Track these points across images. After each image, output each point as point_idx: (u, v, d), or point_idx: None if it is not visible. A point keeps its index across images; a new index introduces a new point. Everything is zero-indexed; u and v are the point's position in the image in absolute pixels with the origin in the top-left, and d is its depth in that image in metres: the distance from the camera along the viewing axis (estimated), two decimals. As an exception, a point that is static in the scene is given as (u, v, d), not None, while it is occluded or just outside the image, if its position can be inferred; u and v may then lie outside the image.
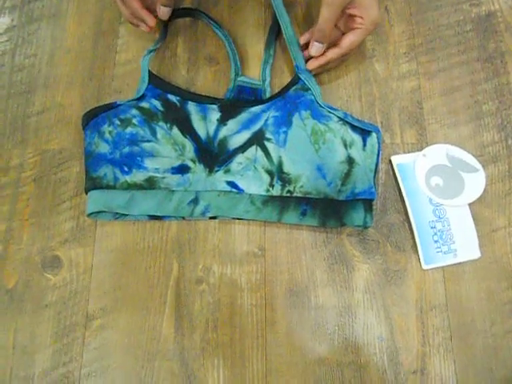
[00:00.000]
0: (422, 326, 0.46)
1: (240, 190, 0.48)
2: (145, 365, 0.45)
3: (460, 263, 0.48)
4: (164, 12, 0.51)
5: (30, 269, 0.49)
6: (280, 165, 0.48)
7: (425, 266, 0.47)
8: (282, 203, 0.49)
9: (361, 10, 0.49)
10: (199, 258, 0.49)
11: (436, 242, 0.48)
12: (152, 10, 0.52)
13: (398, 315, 0.47)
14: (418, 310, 0.47)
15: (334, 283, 0.48)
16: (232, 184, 0.48)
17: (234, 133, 0.50)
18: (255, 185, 0.48)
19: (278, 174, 0.48)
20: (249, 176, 0.48)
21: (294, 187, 0.48)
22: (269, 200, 0.49)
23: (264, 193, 0.48)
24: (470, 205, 0.49)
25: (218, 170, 0.49)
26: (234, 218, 0.50)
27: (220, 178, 0.49)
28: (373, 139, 0.49)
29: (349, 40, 0.50)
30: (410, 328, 0.46)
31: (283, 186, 0.48)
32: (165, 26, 0.55)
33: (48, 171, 0.52)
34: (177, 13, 0.55)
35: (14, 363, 0.46)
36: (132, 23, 0.53)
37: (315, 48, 0.50)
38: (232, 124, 0.50)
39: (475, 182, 0.50)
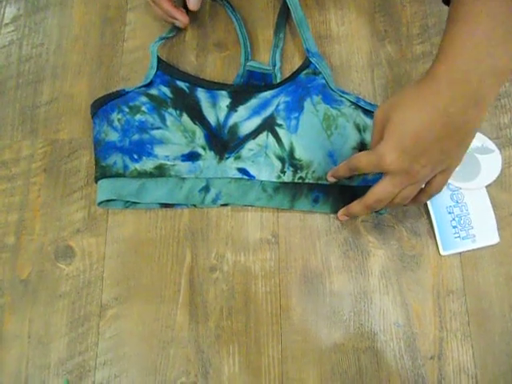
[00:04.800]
0: (439, 312, 0.46)
1: (251, 177, 0.48)
2: (160, 352, 0.45)
3: (478, 248, 0.47)
4: (194, 3, 0.51)
5: (43, 259, 0.49)
6: (291, 151, 0.47)
7: (443, 252, 0.47)
8: (294, 190, 0.48)
9: (383, 138, 0.38)
10: (212, 246, 0.48)
11: (454, 227, 0.47)
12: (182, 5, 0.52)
13: (415, 300, 0.46)
14: (434, 295, 0.46)
15: (349, 269, 0.47)
16: (243, 171, 0.48)
17: (245, 119, 0.49)
18: (266, 171, 0.48)
19: (289, 160, 0.47)
20: (260, 162, 0.48)
21: (306, 173, 0.47)
22: (280, 187, 0.48)
23: (275, 179, 0.47)
24: (487, 189, 0.48)
25: (228, 157, 0.48)
26: (245, 205, 0.49)
27: (231, 165, 0.48)
28: (386, 122, 0.48)
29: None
30: (426, 313, 0.46)
31: (295, 173, 0.47)
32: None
33: (58, 161, 0.52)
34: None
35: (29, 353, 0.46)
36: (166, 21, 0.54)
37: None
38: (242, 110, 0.49)
39: (491, 164, 0.48)
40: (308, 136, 0.47)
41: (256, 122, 0.49)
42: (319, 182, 0.47)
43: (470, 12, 0.35)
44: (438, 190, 0.41)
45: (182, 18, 0.52)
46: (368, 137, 0.47)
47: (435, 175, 0.40)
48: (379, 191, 0.40)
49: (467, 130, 0.37)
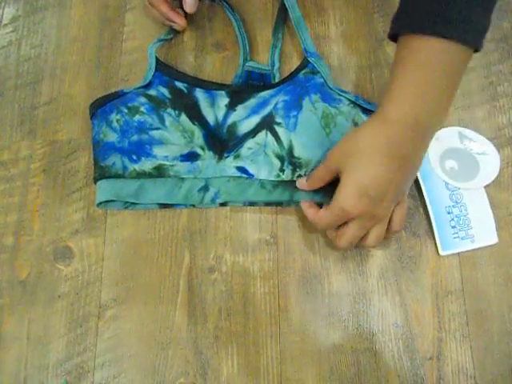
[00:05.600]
0: (438, 312, 0.46)
1: (250, 175, 0.47)
2: (159, 353, 0.45)
3: (476, 248, 0.47)
4: (190, 5, 0.52)
5: (42, 260, 0.49)
6: (290, 149, 0.47)
7: (442, 253, 0.47)
8: (293, 186, 0.47)
9: (339, 186, 0.41)
10: (211, 247, 0.48)
11: (453, 227, 0.47)
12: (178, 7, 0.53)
13: (413, 301, 0.46)
14: (433, 295, 0.46)
15: (347, 270, 0.47)
16: (242, 169, 0.48)
17: (243, 118, 0.49)
18: (265, 170, 0.47)
19: (288, 158, 0.47)
20: (259, 161, 0.47)
21: (305, 171, 0.47)
22: (279, 184, 0.48)
23: (274, 178, 0.47)
24: (486, 189, 0.48)
25: (227, 156, 0.48)
26: (245, 205, 0.49)
27: (230, 164, 0.48)
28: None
29: (314, 214, 0.44)
30: (425, 314, 0.46)
31: (294, 171, 0.47)
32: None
33: (57, 162, 0.52)
34: None
35: (28, 353, 0.46)
36: (164, 24, 0.54)
37: (301, 180, 0.46)
38: (241, 109, 0.49)
39: (490, 164, 0.48)
40: (307, 134, 0.47)
41: (255, 120, 0.49)
42: None
43: (419, 60, 0.38)
44: (404, 222, 0.43)
45: (179, 21, 0.52)
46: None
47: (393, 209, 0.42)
48: (349, 236, 0.41)
49: (417, 164, 0.41)
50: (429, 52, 0.37)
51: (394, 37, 0.41)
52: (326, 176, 0.42)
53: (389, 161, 0.38)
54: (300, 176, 0.46)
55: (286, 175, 0.47)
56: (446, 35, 0.36)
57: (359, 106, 0.48)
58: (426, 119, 0.38)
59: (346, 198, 0.39)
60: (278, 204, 0.49)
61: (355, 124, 0.47)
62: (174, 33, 0.54)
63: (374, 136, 0.39)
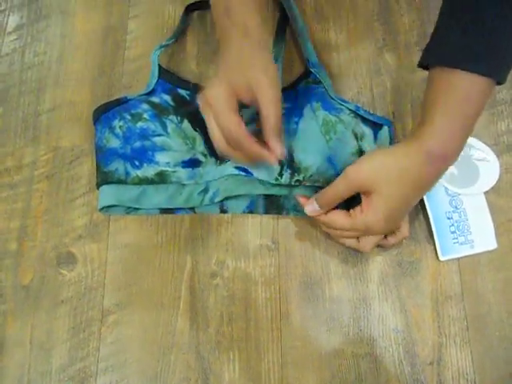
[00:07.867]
0: (438, 317, 0.46)
1: (248, 174, 0.47)
2: (161, 358, 0.46)
3: (476, 254, 0.47)
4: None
5: (45, 265, 0.49)
6: (290, 155, 0.47)
7: (442, 258, 0.47)
8: (291, 187, 0.48)
9: (366, 200, 0.41)
10: (213, 252, 0.49)
11: (453, 232, 0.48)
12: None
13: (414, 306, 0.46)
14: (433, 301, 0.46)
15: (348, 275, 0.47)
16: (241, 168, 0.47)
17: (246, 124, 0.49)
18: (264, 172, 0.47)
19: (287, 163, 0.47)
20: (258, 164, 0.48)
21: (304, 177, 0.47)
22: (278, 185, 0.48)
23: (273, 181, 0.47)
24: (485, 195, 0.49)
25: (228, 161, 0.48)
26: (244, 213, 0.49)
27: (230, 166, 0.48)
28: (384, 132, 0.48)
29: (328, 218, 0.43)
30: (425, 319, 0.46)
31: (292, 175, 0.47)
32: (182, 23, 0.54)
33: (60, 168, 0.52)
34: (193, 6, 0.55)
35: (31, 358, 0.46)
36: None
37: (310, 206, 0.44)
38: (243, 115, 0.49)
39: (489, 170, 0.49)
40: (307, 140, 0.48)
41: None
42: (316, 184, 0.47)
43: (460, 96, 0.38)
44: (409, 227, 0.46)
45: (272, 157, 0.41)
46: (365, 145, 0.48)
47: None
48: (348, 239, 0.45)
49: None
50: (468, 88, 0.37)
51: (426, 67, 0.41)
52: (346, 193, 0.42)
53: (418, 191, 0.42)
54: (298, 181, 0.47)
55: (285, 179, 0.47)
56: (485, 74, 0.36)
57: (359, 115, 0.48)
58: (459, 151, 0.40)
59: (376, 219, 0.40)
60: (278, 212, 0.49)
61: (355, 134, 0.48)
62: (176, 38, 0.54)
63: (410, 167, 0.39)
